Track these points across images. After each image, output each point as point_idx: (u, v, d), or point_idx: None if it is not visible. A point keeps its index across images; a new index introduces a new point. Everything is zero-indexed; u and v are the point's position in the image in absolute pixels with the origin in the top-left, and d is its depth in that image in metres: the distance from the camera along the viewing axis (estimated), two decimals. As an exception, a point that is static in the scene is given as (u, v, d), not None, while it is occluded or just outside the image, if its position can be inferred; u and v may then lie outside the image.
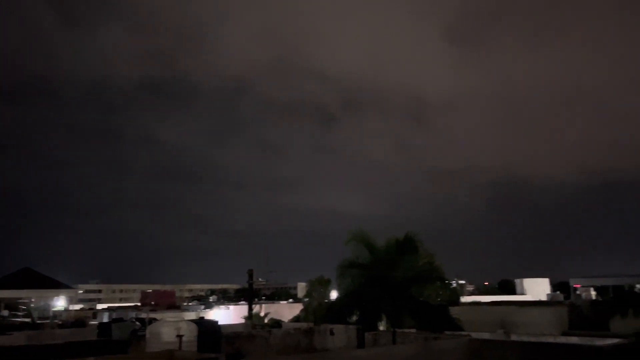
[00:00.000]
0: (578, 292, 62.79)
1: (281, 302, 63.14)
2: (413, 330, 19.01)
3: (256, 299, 53.63)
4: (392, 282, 18.92)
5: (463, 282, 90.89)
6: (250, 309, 40.54)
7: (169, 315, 31.52)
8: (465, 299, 50.42)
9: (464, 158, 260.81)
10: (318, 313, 33.52)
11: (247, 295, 53.56)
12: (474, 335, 17.05)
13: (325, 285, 42.24)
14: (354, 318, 20.59)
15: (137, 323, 23.18)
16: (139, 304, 46.73)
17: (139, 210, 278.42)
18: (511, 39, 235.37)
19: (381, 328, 20.22)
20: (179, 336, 13.25)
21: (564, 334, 23.06)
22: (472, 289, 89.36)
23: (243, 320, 33.69)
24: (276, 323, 28.94)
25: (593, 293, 58.00)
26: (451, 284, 47.01)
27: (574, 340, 19.34)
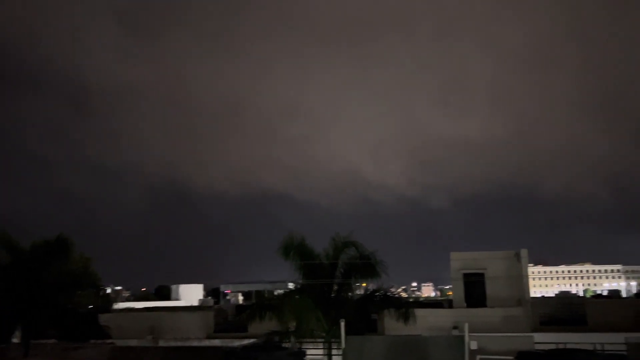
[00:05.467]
0: (228, 297, 68.13)
1: None
2: (53, 341, 17.42)
3: None
4: (35, 289, 17.04)
5: (119, 288, 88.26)
6: None
7: None
8: (119, 305, 48.96)
9: (129, 156, 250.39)
10: None
11: None
12: (120, 342, 16.64)
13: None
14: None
15: None
16: None
17: None
18: (189, 40, 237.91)
19: (15, 340, 17.92)
20: None
21: (209, 336, 24.55)
22: (128, 295, 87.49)
23: None
24: None
25: (241, 298, 63.78)
26: (105, 290, 45.04)
27: (216, 342, 20.75)
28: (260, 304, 20.65)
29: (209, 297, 64.08)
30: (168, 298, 63.55)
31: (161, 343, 22.33)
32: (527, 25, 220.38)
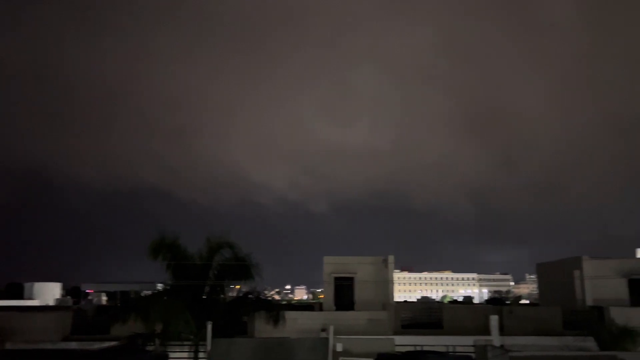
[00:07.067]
0: (90, 298, 63.84)
1: None
2: None
3: None
4: None
5: (-37, 285, 79.29)
6: None
7: None
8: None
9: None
10: None
11: None
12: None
13: None
14: None
15: None
16: None
17: None
18: (63, 16, 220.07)
19: None
20: None
21: (66, 339, 22.85)
22: (-27, 293, 78.76)
23: None
24: None
25: (104, 298, 60.12)
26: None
27: (72, 345, 19.36)
28: (125, 305, 19.63)
29: (68, 297, 59.92)
30: (20, 297, 58.24)
31: (8, 346, 20.36)
32: (411, 40, 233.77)
